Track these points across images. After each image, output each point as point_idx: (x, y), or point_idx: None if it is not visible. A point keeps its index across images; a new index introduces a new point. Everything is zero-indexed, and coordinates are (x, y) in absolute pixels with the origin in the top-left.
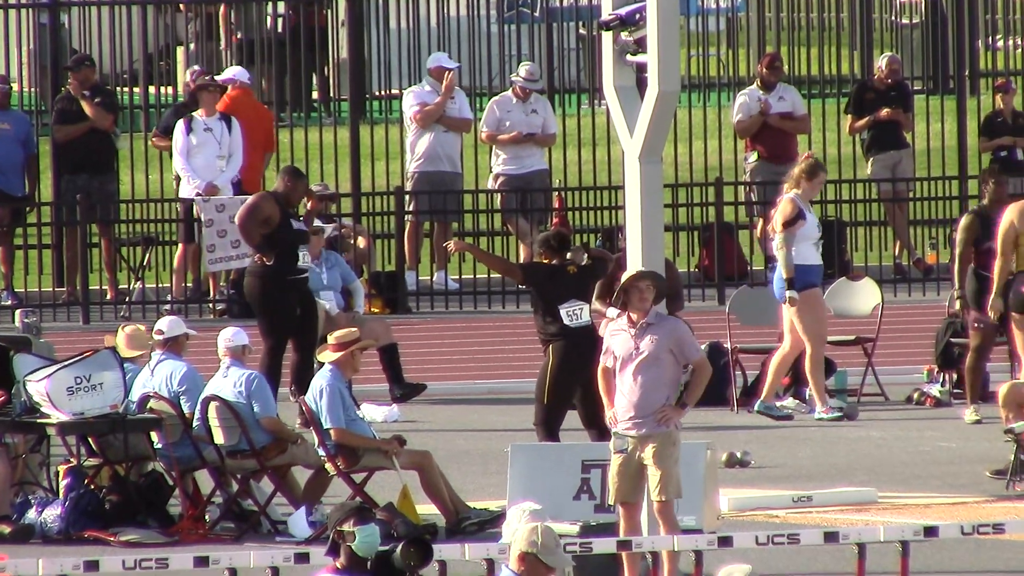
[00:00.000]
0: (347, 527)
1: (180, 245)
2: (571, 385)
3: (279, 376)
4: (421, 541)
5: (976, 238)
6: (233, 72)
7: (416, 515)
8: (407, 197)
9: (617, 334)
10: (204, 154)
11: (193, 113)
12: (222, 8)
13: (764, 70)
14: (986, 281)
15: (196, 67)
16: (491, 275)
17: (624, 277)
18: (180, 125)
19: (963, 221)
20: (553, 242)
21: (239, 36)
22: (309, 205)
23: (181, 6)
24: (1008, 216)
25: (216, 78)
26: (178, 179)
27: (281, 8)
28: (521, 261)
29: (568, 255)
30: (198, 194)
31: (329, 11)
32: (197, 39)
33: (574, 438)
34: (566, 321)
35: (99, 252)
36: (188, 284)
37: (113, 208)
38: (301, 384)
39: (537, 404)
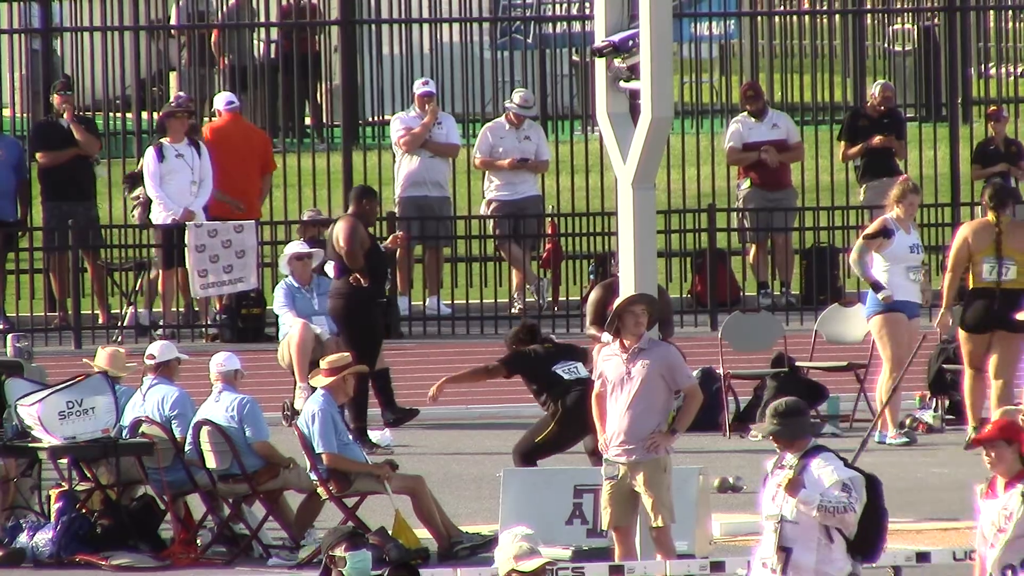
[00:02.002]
0: (339, 552)
1: (161, 271)
2: (571, 437)
3: (367, 397)
4: (408, 566)
5: None
6: (222, 98)
7: (415, 538)
8: (398, 223)
9: (609, 359)
10: (177, 180)
11: (162, 140)
12: (214, 33)
13: (744, 102)
14: None
15: (181, 94)
16: (483, 300)
17: (618, 302)
18: (150, 152)
19: None
20: (523, 335)
21: (227, 61)
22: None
23: (173, 31)
24: (962, 233)
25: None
26: (145, 206)
27: (274, 34)
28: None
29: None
30: (173, 220)
31: (322, 37)
32: (189, 64)
33: (566, 463)
34: (566, 377)
35: (89, 277)
36: (180, 309)
37: (93, 233)
38: (357, 407)
39: (528, 435)
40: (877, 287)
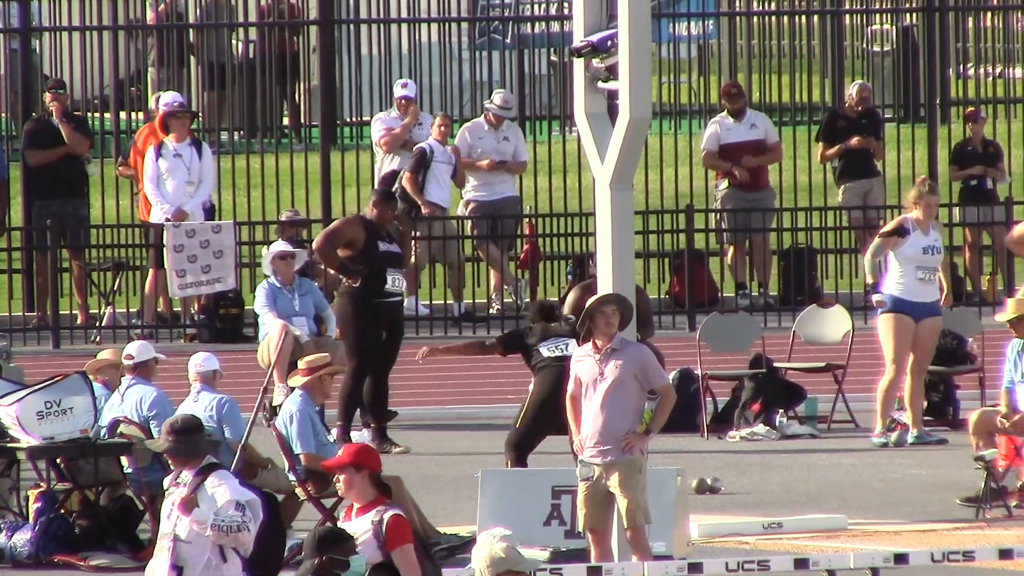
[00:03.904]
0: (341, 555)
1: (151, 270)
2: (550, 412)
3: (360, 397)
4: (388, 567)
5: None
6: (167, 97)
7: None
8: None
9: (582, 360)
10: (174, 180)
11: (164, 139)
12: (189, 33)
13: (725, 100)
14: None
15: (161, 93)
16: (461, 301)
17: (589, 302)
18: (150, 151)
19: None
20: (541, 311)
21: (200, 60)
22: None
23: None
24: None
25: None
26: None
27: (253, 34)
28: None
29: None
30: (167, 219)
31: (300, 37)
32: (167, 63)
33: (545, 464)
34: (546, 354)
35: (69, 277)
36: (159, 309)
37: (84, 233)
38: (374, 409)
39: (513, 425)
40: (874, 288)
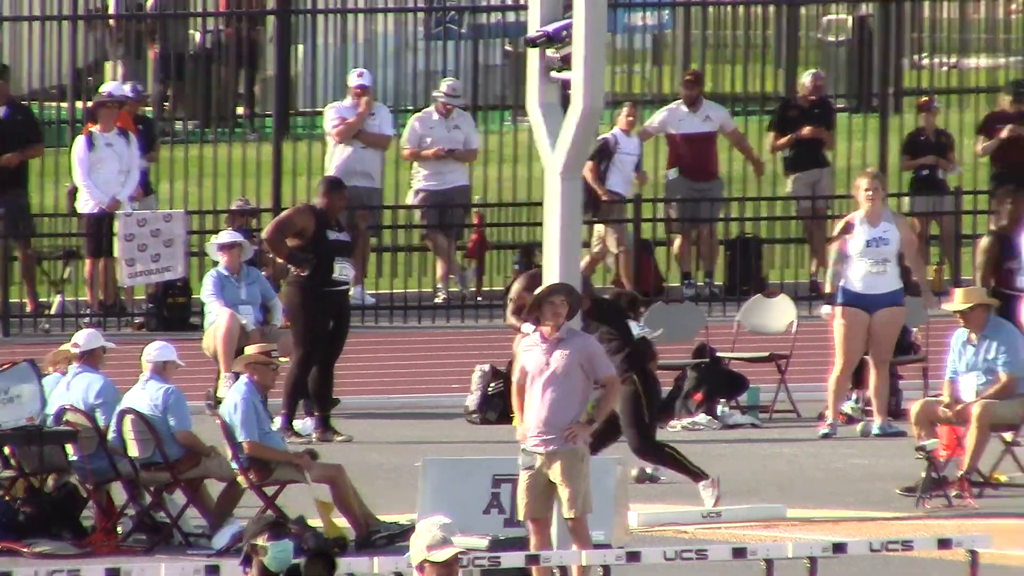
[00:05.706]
0: (261, 541)
1: (88, 260)
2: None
3: (305, 387)
4: (325, 554)
5: (996, 258)
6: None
7: (336, 526)
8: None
9: (529, 349)
10: (106, 170)
11: (92, 129)
12: (146, 22)
13: (683, 87)
14: (1009, 300)
15: (114, 83)
16: (407, 290)
17: (537, 292)
18: (81, 141)
19: (982, 243)
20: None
21: (158, 50)
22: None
23: (111, 22)
24: None
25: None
26: (72, 193)
27: (209, 24)
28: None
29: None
30: (100, 209)
31: (258, 27)
32: (127, 54)
33: (486, 452)
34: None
35: (19, 265)
36: (100, 297)
37: (25, 222)
38: (319, 397)
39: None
40: (829, 299)
